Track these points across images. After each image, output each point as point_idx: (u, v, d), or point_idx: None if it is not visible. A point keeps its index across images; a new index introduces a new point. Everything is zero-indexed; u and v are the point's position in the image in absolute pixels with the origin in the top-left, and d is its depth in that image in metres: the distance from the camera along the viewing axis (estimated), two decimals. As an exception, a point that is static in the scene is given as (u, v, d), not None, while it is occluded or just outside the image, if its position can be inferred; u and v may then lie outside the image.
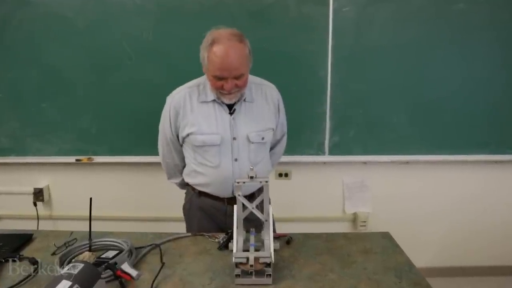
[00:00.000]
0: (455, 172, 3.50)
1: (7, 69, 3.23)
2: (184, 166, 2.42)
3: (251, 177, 1.81)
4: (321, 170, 3.39)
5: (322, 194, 3.49)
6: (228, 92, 2.05)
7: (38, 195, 3.56)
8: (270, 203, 1.85)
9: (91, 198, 1.93)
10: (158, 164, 3.30)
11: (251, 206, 1.84)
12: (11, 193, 3.62)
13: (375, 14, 3.10)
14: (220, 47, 1.95)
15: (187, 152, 2.32)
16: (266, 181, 1.82)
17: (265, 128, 2.25)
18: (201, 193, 2.33)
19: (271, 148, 2.50)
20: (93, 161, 3.40)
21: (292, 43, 3.12)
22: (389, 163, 3.43)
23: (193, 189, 2.39)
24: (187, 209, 2.48)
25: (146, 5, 3.08)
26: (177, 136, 2.30)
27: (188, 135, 2.21)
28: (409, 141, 3.34)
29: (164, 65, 3.17)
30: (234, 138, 2.18)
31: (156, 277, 1.75)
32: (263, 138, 2.23)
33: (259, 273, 1.71)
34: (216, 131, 2.17)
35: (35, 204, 3.58)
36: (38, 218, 3.57)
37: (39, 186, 3.57)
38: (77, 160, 3.39)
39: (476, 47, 3.16)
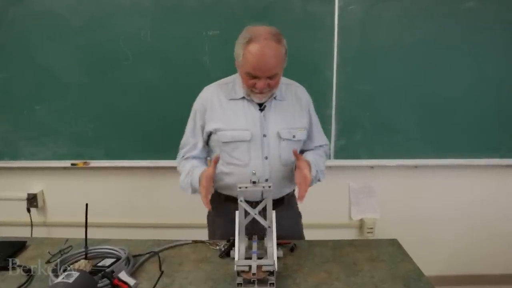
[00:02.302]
0: (466, 176, 3.50)
1: (-1, 69, 3.25)
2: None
3: (254, 182, 1.81)
4: (326, 174, 3.37)
5: (327, 199, 3.48)
6: (260, 92, 2.06)
7: (32, 200, 3.56)
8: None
9: (87, 204, 1.93)
10: (157, 168, 3.32)
11: (254, 212, 1.84)
12: (3, 198, 3.62)
13: (382, 13, 3.10)
14: (256, 46, 1.96)
15: (214, 153, 2.30)
16: (269, 187, 1.82)
17: (297, 126, 2.24)
18: (227, 199, 2.28)
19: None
20: (89, 166, 3.40)
21: (296, 43, 3.11)
22: (397, 167, 3.43)
23: (219, 195, 2.33)
24: (211, 219, 2.46)
25: (143, 3, 3.09)
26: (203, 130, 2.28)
27: (215, 131, 2.19)
28: (418, 145, 3.34)
29: (163, 66, 3.18)
30: (264, 135, 2.17)
31: (154, 286, 1.75)
32: (294, 136, 2.21)
33: (262, 282, 1.70)
34: (246, 127, 2.16)
35: (28, 210, 3.58)
36: (32, 225, 3.57)
37: (33, 191, 3.57)
38: (72, 164, 3.40)
39: (487, 47, 3.16)
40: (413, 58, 3.18)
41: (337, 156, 3.34)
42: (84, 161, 3.39)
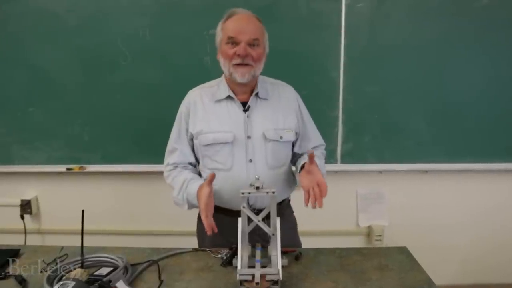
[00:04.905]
0: (478, 181, 3.50)
1: (-9, 70, 3.25)
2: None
3: (257, 187, 1.81)
4: (333, 179, 3.37)
5: (334, 205, 3.43)
6: (242, 59, 2.05)
7: (26, 207, 3.56)
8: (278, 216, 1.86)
9: (83, 211, 1.93)
10: (156, 173, 3.31)
11: (257, 219, 1.84)
12: (-4, 205, 3.63)
13: (391, 11, 3.11)
14: (236, 15, 2.11)
15: (201, 163, 2.30)
16: (273, 192, 1.81)
17: (284, 127, 2.22)
18: (215, 208, 2.18)
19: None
20: (85, 170, 3.40)
21: (302, 42, 3.13)
22: (406, 172, 3.43)
23: None
24: (200, 227, 2.44)
25: (142, 1, 3.10)
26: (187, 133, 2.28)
27: (197, 135, 2.20)
28: (429, 148, 3.34)
29: (162, 66, 3.19)
30: (249, 137, 2.16)
31: (153, 296, 1.75)
32: (281, 137, 2.19)
33: (266, 291, 1.70)
34: (229, 128, 2.16)
35: (22, 217, 3.59)
36: (25, 232, 3.58)
37: (27, 197, 3.58)
38: (67, 169, 3.40)
39: (501, 46, 3.16)
40: (424, 58, 3.18)
41: (344, 160, 3.34)
42: (80, 165, 3.39)
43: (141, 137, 3.28)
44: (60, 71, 3.22)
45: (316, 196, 1.91)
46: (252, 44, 2.05)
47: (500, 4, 3.07)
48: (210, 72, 3.04)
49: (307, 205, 1.92)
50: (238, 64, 2.07)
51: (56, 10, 3.12)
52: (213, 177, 2.00)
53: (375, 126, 3.29)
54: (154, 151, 3.17)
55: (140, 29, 3.12)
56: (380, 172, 3.46)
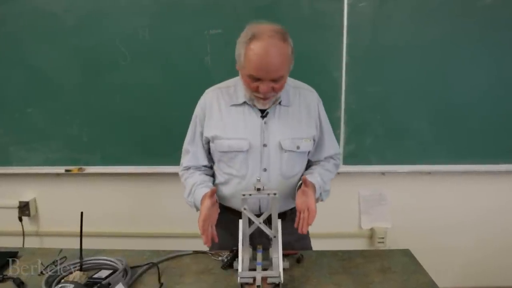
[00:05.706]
0: (482, 183, 3.49)
1: (-12, 71, 3.25)
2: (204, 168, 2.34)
3: (258, 189, 1.81)
4: (335, 181, 3.36)
5: (336, 207, 3.44)
6: (263, 96, 1.99)
7: (24, 209, 3.56)
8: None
9: (82, 212, 1.92)
10: (156, 174, 3.31)
11: (258, 221, 1.83)
12: (-6, 206, 3.63)
13: (393, 10, 3.10)
14: (259, 44, 1.88)
15: (214, 163, 2.30)
16: (275, 194, 1.81)
17: (302, 136, 2.17)
18: (226, 208, 2.24)
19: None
20: (84, 172, 3.40)
21: (303, 42, 3.10)
22: (409, 174, 3.43)
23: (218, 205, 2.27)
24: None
25: (142, 0, 3.09)
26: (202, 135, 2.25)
27: (212, 139, 2.16)
28: (432, 149, 3.33)
29: (162, 67, 3.19)
30: (265, 145, 2.12)
31: (153, 299, 1.75)
32: (298, 147, 2.15)
33: (267, 294, 1.70)
34: (244, 136, 2.11)
35: (20, 219, 3.59)
36: (23, 234, 3.58)
37: (25, 199, 3.58)
38: (66, 170, 3.40)
39: (504, 46, 3.15)
40: (427, 58, 3.17)
41: (346, 162, 3.34)
42: (79, 167, 3.39)
43: (141, 138, 3.28)
44: (58, 71, 3.22)
45: (303, 222, 1.91)
46: (276, 80, 1.95)
47: (503, 4, 3.06)
48: (211, 72, 3.06)
49: (296, 227, 1.93)
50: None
51: (54, 10, 3.12)
52: (214, 191, 2.00)
53: (378, 127, 3.28)
54: (154, 152, 3.18)
55: (140, 29, 3.12)
56: (383, 173, 3.46)
